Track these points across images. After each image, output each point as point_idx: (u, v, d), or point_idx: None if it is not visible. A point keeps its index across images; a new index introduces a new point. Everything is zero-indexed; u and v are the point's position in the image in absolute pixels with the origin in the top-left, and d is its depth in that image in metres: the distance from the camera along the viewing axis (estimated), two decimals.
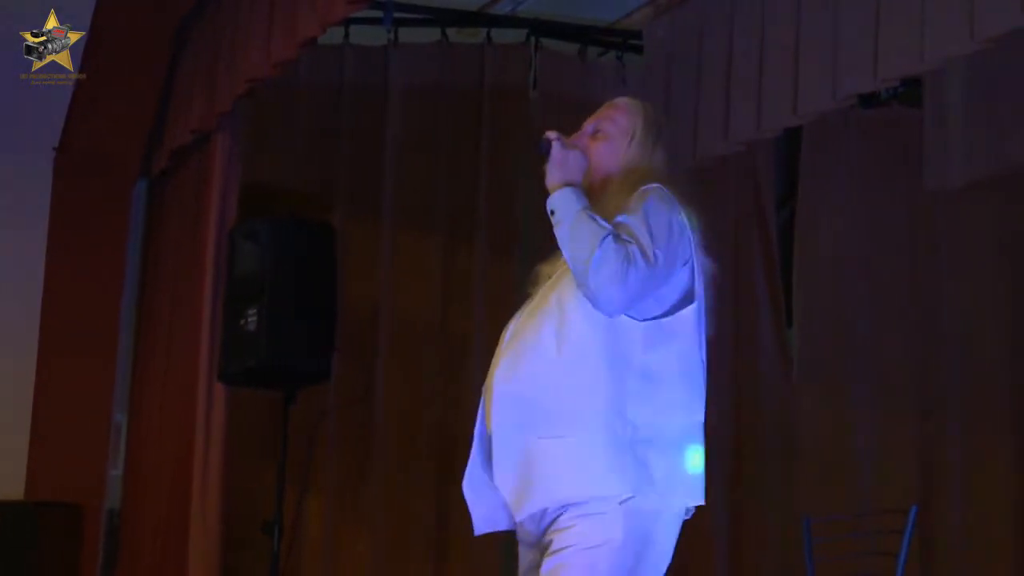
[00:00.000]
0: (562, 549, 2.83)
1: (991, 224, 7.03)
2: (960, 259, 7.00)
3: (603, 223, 2.87)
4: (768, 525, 6.64)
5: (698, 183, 6.65)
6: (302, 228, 5.79)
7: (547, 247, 3.10)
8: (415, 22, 6.60)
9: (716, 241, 7.00)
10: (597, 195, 3.04)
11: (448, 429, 6.32)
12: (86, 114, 6.56)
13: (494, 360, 3.04)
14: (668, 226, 2.93)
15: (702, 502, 2.97)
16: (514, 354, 2.97)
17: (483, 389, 3.07)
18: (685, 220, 2.99)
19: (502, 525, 3.04)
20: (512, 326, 3.05)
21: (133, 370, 6.79)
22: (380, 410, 6.39)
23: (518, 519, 2.92)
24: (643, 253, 2.84)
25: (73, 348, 6.64)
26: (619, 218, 2.91)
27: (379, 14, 6.26)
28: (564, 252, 2.91)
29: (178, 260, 6.38)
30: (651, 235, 2.87)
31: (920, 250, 7.04)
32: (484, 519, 3.04)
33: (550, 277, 3.09)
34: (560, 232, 2.92)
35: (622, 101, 3.26)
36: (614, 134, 3.15)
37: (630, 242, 2.84)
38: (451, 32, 6.72)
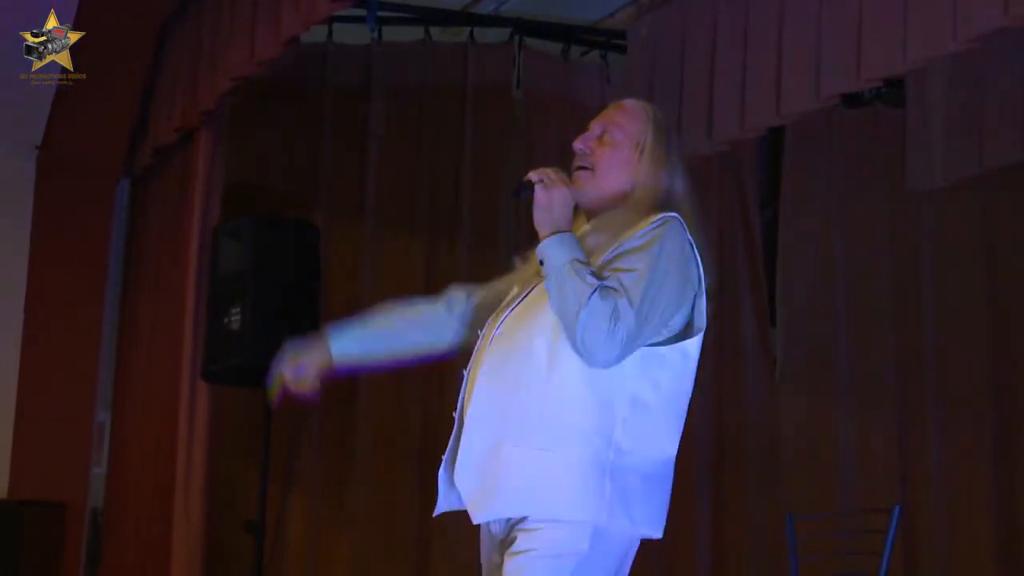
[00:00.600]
0: (526, 551, 2.75)
1: (972, 224, 7.05)
2: (941, 259, 7.02)
3: (590, 278, 2.73)
4: (751, 523, 6.63)
5: None
6: (285, 227, 5.78)
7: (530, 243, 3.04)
8: (399, 21, 6.58)
9: (699, 242, 7.01)
10: (607, 208, 2.93)
11: (430, 429, 6.30)
12: (69, 112, 6.53)
13: (477, 355, 2.94)
14: (678, 274, 2.80)
15: (660, 536, 2.86)
16: (502, 357, 2.87)
17: (466, 373, 2.95)
18: (696, 255, 2.86)
19: (461, 505, 2.91)
20: (502, 321, 2.93)
21: (116, 368, 6.77)
22: (362, 410, 6.37)
23: (475, 522, 2.84)
24: (631, 306, 2.71)
25: (56, 346, 6.63)
26: (621, 261, 2.78)
27: (363, 13, 6.23)
28: (551, 305, 2.77)
29: (161, 259, 6.36)
30: (647, 290, 2.74)
31: (902, 250, 7.05)
32: (446, 500, 2.95)
33: (535, 279, 2.96)
34: (548, 285, 2.79)
35: (630, 104, 3.08)
36: (622, 142, 2.97)
37: (619, 294, 2.71)
38: (435, 31, 6.71)
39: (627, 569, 2.86)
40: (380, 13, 6.33)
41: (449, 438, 2.96)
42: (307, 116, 6.61)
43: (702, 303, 2.87)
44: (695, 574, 6.54)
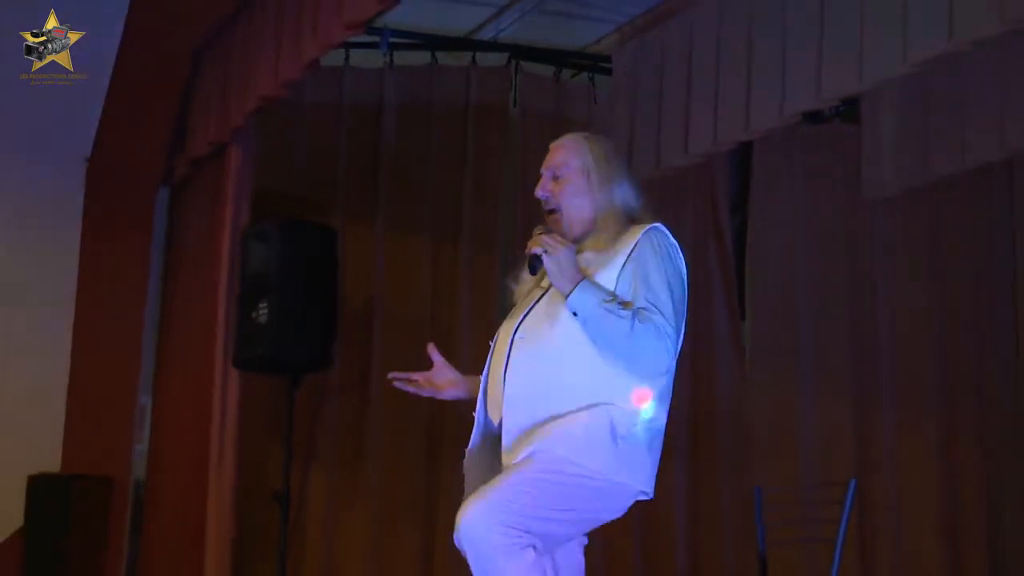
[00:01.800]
0: (525, 457, 2.83)
1: (920, 228, 7.04)
2: (893, 260, 7.02)
3: (622, 312, 2.82)
4: (723, 496, 6.61)
5: (660, 191, 6.65)
6: (307, 230, 5.75)
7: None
8: (408, 46, 6.56)
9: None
10: (585, 232, 3.00)
11: (436, 411, 6.28)
12: (115, 127, 6.51)
13: (496, 358, 3.00)
14: (680, 281, 2.93)
15: (651, 496, 2.95)
16: (530, 353, 2.92)
17: (483, 380, 3.04)
18: (683, 259, 2.98)
19: None
20: (520, 324, 2.98)
21: (157, 357, 6.74)
22: (376, 393, 6.34)
23: (505, 444, 2.90)
24: (667, 320, 2.83)
25: (103, 337, 6.60)
26: (639, 281, 2.87)
27: (376, 39, 6.24)
28: (596, 344, 2.84)
29: (196, 259, 6.33)
30: (671, 299, 2.87)
31: (858, 252, 7.04)
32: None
33: (538, 288, 3.05)
34: (588, 330, 2.85)
35: (565, 141, 3.14)
36: (570, 175, 3.04)
37: (654, 313, 2.82)
38: (440, 55, 6.69)
39: (611, 517, 2.93)
40: (391, 39, 6.33)
41: (453, 425, 2.99)
42: (326, 131, 6.58)
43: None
44: (673, 541, 6.51)
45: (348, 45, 6.16)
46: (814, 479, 6.46)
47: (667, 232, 2.97)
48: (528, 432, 2.86)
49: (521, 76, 6.75)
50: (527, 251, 2.98)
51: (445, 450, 6.14)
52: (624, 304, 2.85)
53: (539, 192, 3.07)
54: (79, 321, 6.60)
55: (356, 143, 6.59)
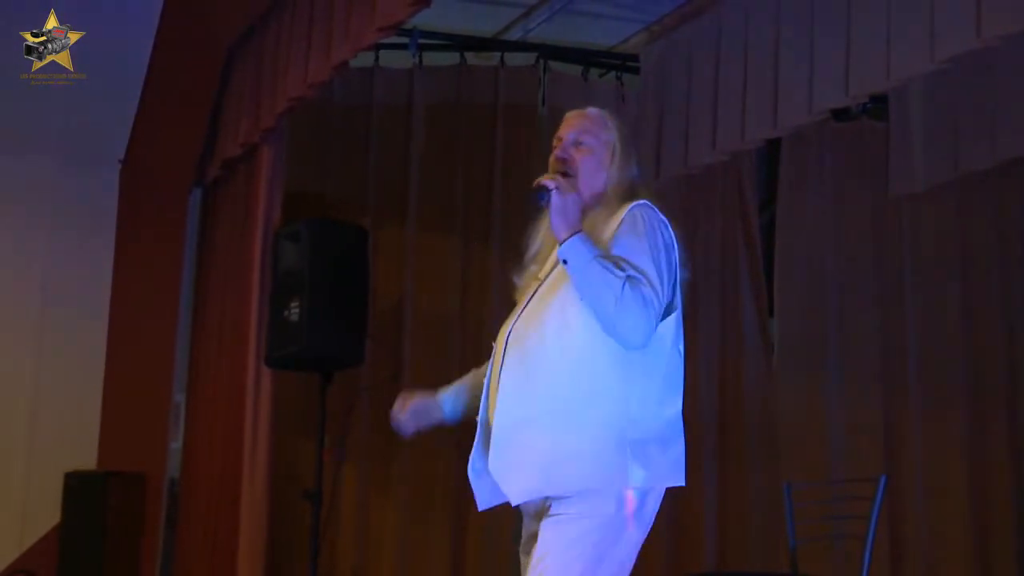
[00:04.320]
0: (557, 515, 2.75)
1: (948, 223, 7.01)
2: (921, 255, 6.99)
3: (616, 271, 2.70)
4: (752, 492, 6.59)
5: (689, 189, 6.64)
6: (338, 229, 5.75)
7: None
8: (437, 47, 6.57)
9: (705, 240, 7.03)
10: (588, 209, 2.88)
11: None
12: (148, 130, 6.54)
13: (494, 358, 2.91)
14: (666, 253, 2.80)
15: (684, 483, 2.85)
16: (520, 354, 2.83)
17: (485, 381, 2.95)
18: (672, 234, 2.85)
19: (502, 499, 2.90)
20: (513, 326, 2.90)
21: (190, 356, 6.77)
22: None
23: (514, 504, 2.81)
24: (654, 291, 2.71)
25: (138, 337, 6.63)
26: (622, 251, 2.75)
27: (405, 40, 6.25)
28: (583, 299, 2.73)
29: (229, 258, 6.35)
30: (657, 269, 2.74)
31: (885, 248, 7.01)
32: (486, 497, 2.93)
33: (538, 277, 2.97)
34: (576, 281, 2.74)
35: (596, 113, 3.02)
36: (596, 148, 2.95)
37: (642, 283, 2.71)
38: (469, 56, 6.69)
39: (653, 516, 2.83)
40: (420, 40, 6.34)
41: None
42: (357, 131, 6.59)
43: (677, 281, 2.85)
44: (703, 538, 6.50)
45: (378, 46, 6.15)
46: (842, 475, 6.44)
47: (652, 207, 2.84)
48: (521, 451, 2.77)
49: (549, 76, 6.75)
50: (536, 183, 2.85)
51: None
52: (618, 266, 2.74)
53: (560, 153, 2.95)
54: (114, 321, 6.64)
55: (386, 143, 6.60)
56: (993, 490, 6.77)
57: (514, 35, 6.76)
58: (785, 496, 4.82)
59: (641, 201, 2.85)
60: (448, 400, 3.23)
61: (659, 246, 2.78)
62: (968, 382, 6.86)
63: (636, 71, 6.53)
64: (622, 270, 2.72)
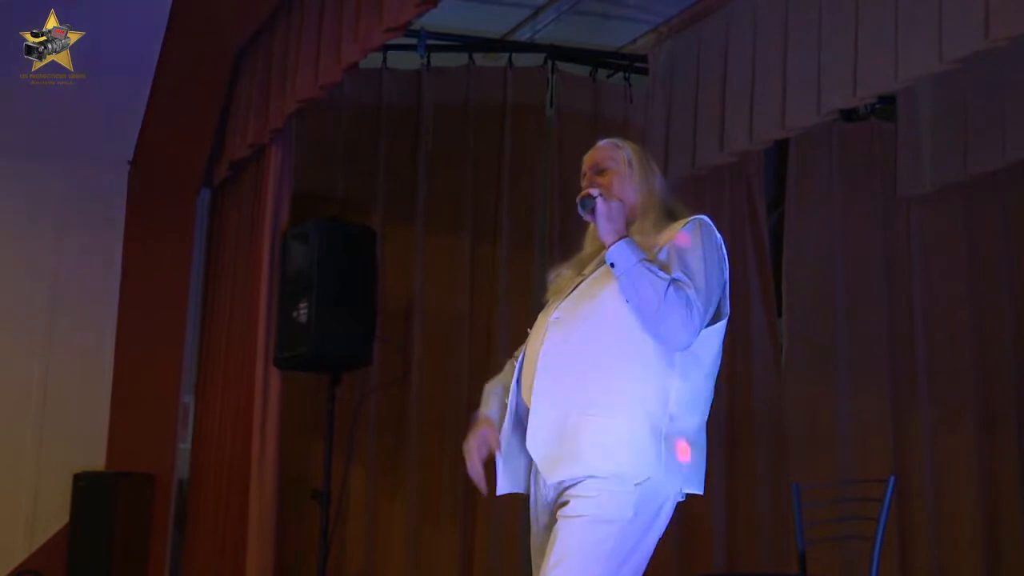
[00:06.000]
0: (577, 516, 2.80)
1: (957, 225, 6.99)
2: (929, 255, 6.97)
3: (661, 274, 2.84)
4: (760, 493, 6.59)
5: (697, 190, 6.64)
6: (346, 230, 5.76)
7: (564, 249, 3.08)
8: (445, 48, 6.57)
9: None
10: (629, 221, 3.01)
11: (475, 408, 6.28)
12: (156, 132, 6.56)
13: (532, 342, 3.01)
14: (718, 263, 2.94)
15: (702, 492, 2.97)
16: (563, 343, 2.92)
17: (517, 365, 3.05)
18: (725, 250, 3.00)
19: (520, 488, 3.04)
20: (556, 316, 2.98)
21: (199, 357, 6.79)
22: (415, 391, 6.37)
23: (550, 482, 2.89)
24: (699, 295, 2.84)
25: (147, 338, 6.66)
26: (677, 255, 2.90)
27: (414, 41, 6.26)
28: (629, 302, 2.85)
29: (237, 259, 6.36)
30: (706, 276, 2.87)
31: (894, 249, 7.00)
32: (507, 483, 3.04)
33: (578, 277, 3.07)
34: (623, 284, 2.87)
35: (605, 142, 3.22)
36: (616, 167, 3.12)
37: (688, 286, 2.83)
38: (477, 57, 6.70)
39: (666, 521, 2.91)
40: (429, 41, 6.34)
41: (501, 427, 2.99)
42: (365, 132, 6.60)
43: (727, 292, 2.99)
44: (711, 539, 6.50)
45: (386, 47, 6.17)
46: (851, 476, 6.43)
47: (711, 224, 3.00)
48: (559, 430, 2.85)
49: (557, 77, 6.75)
50: (581, 195, 3.00)
51: None
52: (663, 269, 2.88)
53: (591, 189, 3.05)
54: (123, 321, 6.66)
55: (394, 144, 6.61)
56: (1003, 491, 6.75)
57: (522, 36, 6.77)
58: (794, 497, 4.81)
59: (700, 216, 3.00)
60: (496, 415, 3.22)
61: (713, 255, 2.93)
62: (978, 383, 6.85)
63: (644, 72, 6.53)
64: (668, 274, 2.85)
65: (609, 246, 2.91)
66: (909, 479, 6.60)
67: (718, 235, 3.00)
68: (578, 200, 3.00)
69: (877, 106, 6.62)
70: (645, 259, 2.86)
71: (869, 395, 6.81)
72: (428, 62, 6.59)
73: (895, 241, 7.00)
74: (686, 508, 2.93)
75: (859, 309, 6.91)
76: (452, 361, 6.44)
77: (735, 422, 6.67)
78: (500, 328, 6.41)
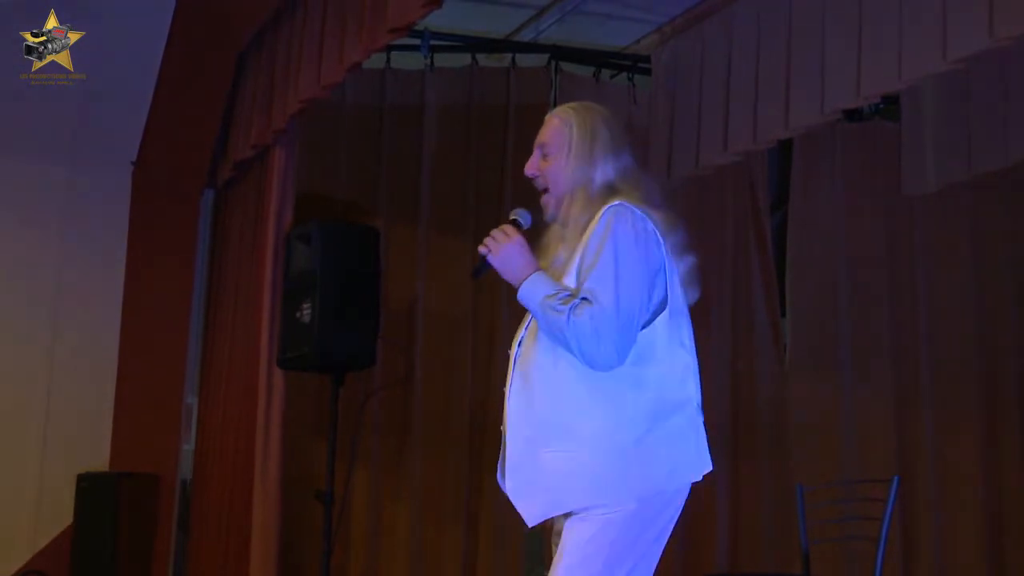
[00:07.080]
0: (580, 515, 2.71)
1: (961, 225, 7.00)
2: (933, 255, 6.98)
3: (560, 307, 2.68)
4: (764, 493, 6.59)
5: (700, 190, 6.64)
6: (350, 231, 5.76)
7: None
8: (449, 48, 6.58)
9: (717, 241, 7.03)
10: (565, 214, 2.86)
11: (478, 409, 6.31)
12: (160, 132, 6.56)
13: (509, 372, 2.88)
14: (636, 259, 2.70)
15: (710, 468, 2.81)
16: (522, 371, 2.82)
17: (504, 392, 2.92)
18: (651, 230, 2.74)
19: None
20: (520, 341, 2.88)
21: (203, 358, 6.79)
22: (419, 392, 6.37)
23: (530, 525, 2.79)
24: (605, 312, 2.64)
25: (150, 339, 6.65)
26: (587, 265, 2.71)
27: (417, 42, 6.26)
28: (551, 341, 2.73)
29: (241, 260, 6.37)
30: (616, 285, 2.67)
31: (898, 248, 7.00)
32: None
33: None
34: (538, 323, 2.77)
35: (554, 115, 2.97)
36: (554, 152, 2.90)
37: (591, 304, 2.65)
38: (480, 57, 6.70)
39: (676, 512, 2.79)
40: (432, 42, 6.35)
41: (495, 424, 2.95)
42: (368, 133, 6.61)
43: (670, 278, 2.77)
44: (715, 539, 6.51)
45: (389, 48, 6.17)
46: (854, 476, 6.43)
47: (625, 208, 2.73)
48: (521, 469, 2.76)
49: (561, 77, 6.75)
50: (475, 263, 2.90)
51: (488, 448, 6.15)
52: (572, 294, 2.71)
53: (528, 171, 2.95)
54: (126, 322, 6.65)
55: (398, 144, 6.62)
56: (1007, 491, 6.75)
57: (526, 36, 6.77)
58: (797, 497, 4.82)
59: (614, 203, 2.77)
60: None
61: (627, 253, 2.70)
62: (981, 382, 6.85)
63: (648, 72, 6.53)
64: (564, 304, 2.69)
65: (517, 290, 2.80)
66: (913, 479, 6.60)
67: (639, 219, 2.73)
68: (472, 270, 2.91)
69: (881, 106, 6.62)
70: (547, 295, 2.72)
71: (873, 394, 6.81)
72: (432, 62, 6.59)
73: (899, 240, 7.00)
74: (688, 507, 2.88)
75: (863, 309, 6.91)
76: (455, 362, 6.45)
77: (739, 422, 6.67)
78: (502, 328, 6.40)
